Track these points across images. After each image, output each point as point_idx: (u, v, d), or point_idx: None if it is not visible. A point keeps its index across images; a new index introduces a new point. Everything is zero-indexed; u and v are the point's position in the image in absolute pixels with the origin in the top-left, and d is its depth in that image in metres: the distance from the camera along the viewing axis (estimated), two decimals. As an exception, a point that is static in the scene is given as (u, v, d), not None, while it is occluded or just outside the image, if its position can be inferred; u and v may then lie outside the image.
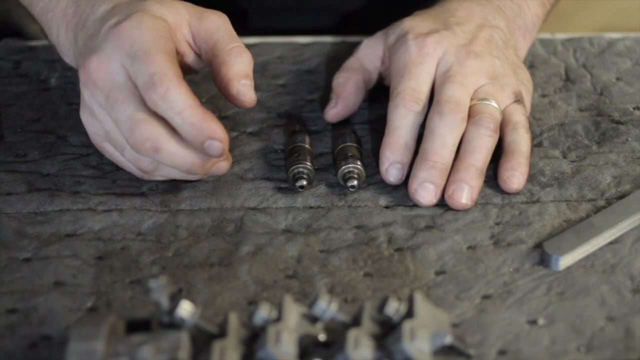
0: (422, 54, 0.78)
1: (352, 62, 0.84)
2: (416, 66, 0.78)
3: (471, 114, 0.76)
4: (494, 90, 0.78)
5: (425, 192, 0.73)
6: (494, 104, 0.77)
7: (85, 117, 0.72)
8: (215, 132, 0.67)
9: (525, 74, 0.82)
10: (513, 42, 0.83)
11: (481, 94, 0.77)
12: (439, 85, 0.77)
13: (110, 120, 0.69)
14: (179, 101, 0.67)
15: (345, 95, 0.81)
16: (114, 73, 0.68)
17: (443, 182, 0.74)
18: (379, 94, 0.86)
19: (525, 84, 0.81)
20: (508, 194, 0.75)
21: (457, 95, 0.75)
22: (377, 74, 0.84)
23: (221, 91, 0.73)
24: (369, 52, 0.83)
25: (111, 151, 0.73)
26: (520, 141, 0.76)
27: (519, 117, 0.78)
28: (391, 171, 0.75)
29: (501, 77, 0.79)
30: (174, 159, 0.69)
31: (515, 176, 0.75)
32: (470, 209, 0.74)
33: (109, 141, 0.72)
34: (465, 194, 0.73)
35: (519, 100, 0.79)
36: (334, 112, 0.81)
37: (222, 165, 0.73)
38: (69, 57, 0.78)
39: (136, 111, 0.68)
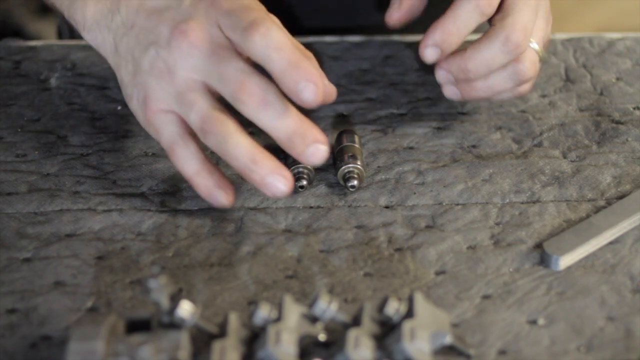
0: None
1: None
2: None
3: None
4: (545, 28, 0.77)
5: (443, 77, 0.78)
6: (537, 47, 0.77)
7: (152, 82, 0.69)
8: (311, 74, 0.65)
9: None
10: None
11: (536, 28, 0.76)
12: (514, 2, 0.75)
13: (195, 79, 0.67)
14: (280, 38, 0.65)
15: None
16: (213, 35, 0.67)
17: (462, 84, 0.77)
18: (378, 94, 0.86)
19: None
20: (508, 194, 0.75)
21: (529, 25, 0.75)
22: None
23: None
24: None
25: (172, 126, 0.69)
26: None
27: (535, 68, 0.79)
28: (430, 51, 0.76)
29: (549, 14, 0.79)
30: (277, 118, 0.65)
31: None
32: (471, 209, 0.74)
33: (178, 104, 0.68)
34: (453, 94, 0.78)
35: (545, 47, 0.80)
36: (397, 15, 0.79)
37: (321, 150, 0.67)
38: (94, 31, 0.74)
39: (246, 65, 0.66)
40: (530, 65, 0.76)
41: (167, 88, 0.68)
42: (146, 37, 0.70)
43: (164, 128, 0.69)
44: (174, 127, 0.69)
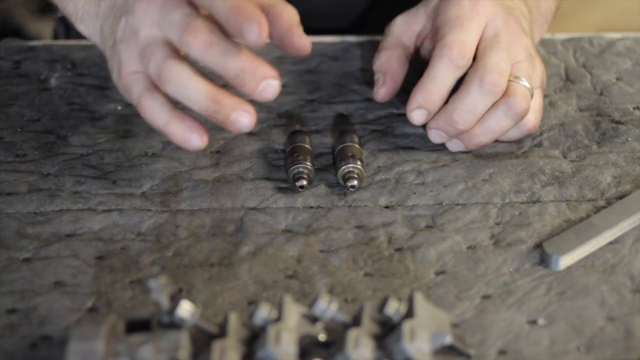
0: (474, 10, 0.78)
1: (389, 40, 0.84)
2: (468, 20, 0.78)
3: (506, 90, 0.76)
4: (529, 69, 0.78)
5: (437, 137, 0.79)
6: (527, 84, 0.77)
7: (123, 47, 0.70)
8: (253, 14, 0.65)
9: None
10: (531, 32, 0.83)
11: (519, 70, 0.77)
12: (485, 48, 0.77)
13: (154, 34, 0.69)
14: None
15: (392, 72, 0.82)
16: None
17: (456, 137, 0.78)
18: (379, 94, 0.86)
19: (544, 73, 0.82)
20: (508, 194, 0.75)
21: (502, 65, 0.76)
22: (414, 48, 0.84)
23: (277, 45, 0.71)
24: (405, 28, 0.84)
25: (138, 81, 0.70)
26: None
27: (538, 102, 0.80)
28: (417, 114, 0.78)
29: (533, 57, 0.79)
30: (224, 57, 0.66)
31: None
32: (471, 209, 0.74)
33: (141, 61, 0.70)
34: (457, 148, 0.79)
35: (541, 86, 0.80)
36: (384, 90, 0.82)
37: (272, 86, 0.68)
38: (86, 21, 0.77)
39: (192, 10, 0.67)
40: (521, 98, 0.76)
41: (134, 49, 0.70)
42: (119, 11, 0.72)
43: (133, 87, 0.70)
44: (141, 83, 0.70)
